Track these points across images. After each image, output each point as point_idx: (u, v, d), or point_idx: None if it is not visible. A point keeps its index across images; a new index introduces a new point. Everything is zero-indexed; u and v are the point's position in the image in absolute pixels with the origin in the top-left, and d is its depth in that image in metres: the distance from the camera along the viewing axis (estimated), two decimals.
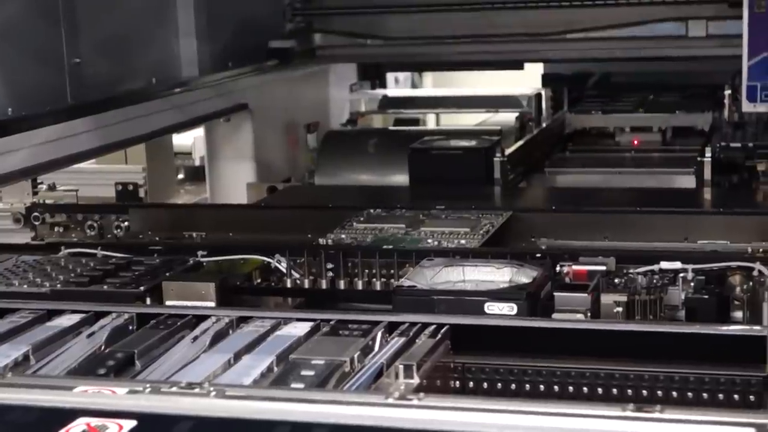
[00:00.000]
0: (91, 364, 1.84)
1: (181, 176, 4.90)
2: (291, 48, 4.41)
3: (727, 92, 4.23)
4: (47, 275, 2.42)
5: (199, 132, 4.44)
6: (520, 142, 3.99)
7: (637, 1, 4.26)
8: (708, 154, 3.40)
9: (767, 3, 3.53)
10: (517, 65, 5.08)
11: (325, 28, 4.63)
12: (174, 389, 1.59)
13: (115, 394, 1.58)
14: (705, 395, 1.84)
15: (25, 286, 2.36)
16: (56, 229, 3.14)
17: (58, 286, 2.35)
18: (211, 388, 1.58)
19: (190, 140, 4.88)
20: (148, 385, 1.60)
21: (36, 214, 3.16)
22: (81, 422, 1.49)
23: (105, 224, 3.10)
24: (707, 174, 3.37)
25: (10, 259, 2.58)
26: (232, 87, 3.98)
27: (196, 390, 1.58)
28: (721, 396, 1.83)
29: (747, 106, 3.59)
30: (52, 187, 3.40)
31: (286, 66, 4.35)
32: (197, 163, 4.79)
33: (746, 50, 3.57)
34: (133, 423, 1.49)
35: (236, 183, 3.97)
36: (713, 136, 3.84)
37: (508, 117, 4.52)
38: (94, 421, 1.49)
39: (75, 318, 2.06)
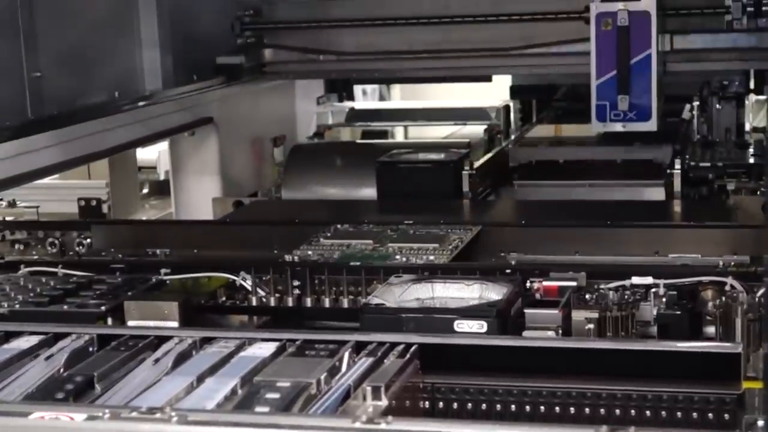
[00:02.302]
0: (48, 389, 1.78)
1: (145, 191, 4.85)
2: (239, 64, 4.23)
3: (695, 103, 4.22)
4: (5, 295, 2.36)
5: (163, 146, 4.39)
6: (489, 155, 3.96)
7: None
8: (678, 165, 3.38)
9: (614, 20, 3.55)
10: (484, 78, 5.03)
11: (276, 42, 4.40)
12: (134, 414, 1.54)
13: (72, 421, 1.53)
14: (679, 414, 1.80)
15: None
16: (16, 246, 3.08)
17: (17, 306, 2.29)
18: (173, 413, 1.53)
19: (154, 154, 4.83)
20: (107, 411, 1.55)
21: None
22: None
23: (67, 241, 3.04)
24: (677, 186, 3.35)
25: None
26: (197, 100, 3.93)
27: (157, 415, 1.53)
28: (695, 415, 1.80)
29: (597, 126, 3.65)
30: (12, 204, 3.34)
31: (238, 82, 4.21)
32: (162, 177, 4.74)
33: (594, 69, 3.61)
34: None
35: (202, 198, 3.93)
36: (683, 148, 3.82)
37: (476, 129, 4.49)
38: None
39: (33, 340, 2.00)
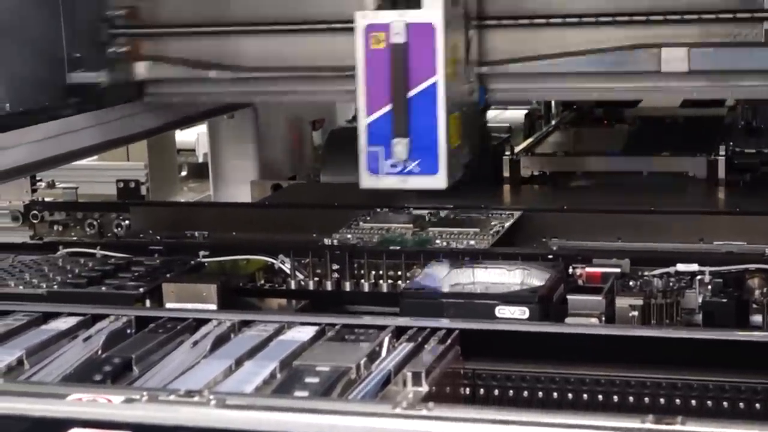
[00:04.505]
0: (86, 370, 1.77)
1: (184, 173, 4.85)
2: (97, 84, 3.04)
3: None
4: (44, 276, 2.36)
5: (202, 128, 4.38)
6: (530, 140, 3.92)
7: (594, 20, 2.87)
8: (722, 152, 3.33)
9: (387, 35, 2.54)
10: None
11: (156, 53, 3.17)
12: (172, 397, 1.53)
13: (110, 403, 1.51)
14: (725, 404, 1.77)
15: (21, 287, 2.30)
16: (55, 227, 3.09)
17: (55, 287, 2.29)
18: (211, 397, 1.51)
19: (193, 137, 4.83)
20: (145, 393, 1.53)
21: (35, 212, 3.10)
22: None
23: (105, 222, 3.04)
24: (721, 173, 3.30)
25: (7, 258, 2.53)
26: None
27: (196, 398, 1.52)
28: (741, 405, 1.76)
29: (367, 180, 2.68)
30: (51, 185, 3.34)
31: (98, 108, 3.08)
32: (200, 159, 4.75)
33: (363, 102, 2.60)
34: None
35: (240, 181, 3.91)
36: (728, 134, 3.76)
37: (516, 114, 4.45)
38: None
39: (71, 321, 1.99)
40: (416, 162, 2.57)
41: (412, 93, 2.54)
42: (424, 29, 2.50)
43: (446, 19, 2.50)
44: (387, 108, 2.56)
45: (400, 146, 2.55)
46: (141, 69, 3.18)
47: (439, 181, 2.59)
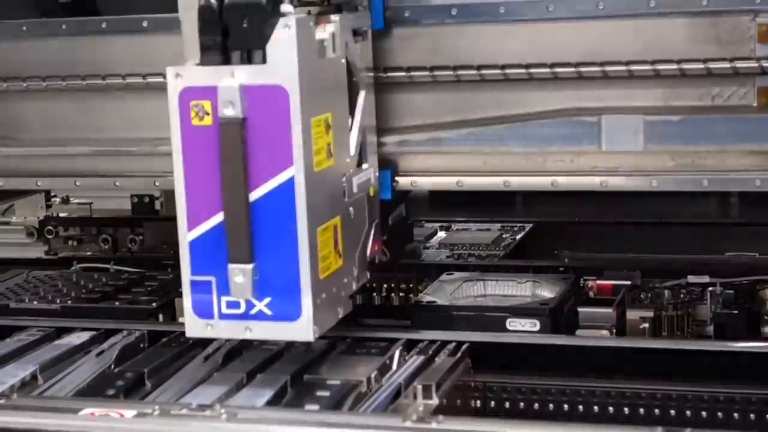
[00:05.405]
0: (100, 385, 1.78)
1: None
2: None
3: None
4: (58, 291, 2.38)
5: None
6: None
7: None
8: None
9: (214, 107, 1.62)
10: None
11: None
12: (184, 411, 1.55)
13: (122, 417, 1.53)
14: (736, 415, 1.77)
15: (36, 302, 2.31)
16: (69, 242, 3.10)
17: (69, 302, 2.30)
18: (223, 411, 1.53)
19: None
20: (157, 408, 1.55)
21: (49, 227, 3.12)
22: None
23: (119, 237, 3.05)
24: None
25: (22, 274, 2.55)
26: None
27: (207, 412, 1.54)
28: (752, 416, 1.76)
29: (195, 328, 1.72)
30: (65, 200, 3.35)
31: None
32: None
33: (184, 210, 1.68)
34: None
35: None
36: None
37: None
38: None
39: (85, 336, 2.02)
40: (266, 301, 1.66)
41: (255, 195, 1.64)
42: (272, 95, 1.61)
43: (309, 77, 1.63)
44: (218, 218, 1.66)
45: (241, 277, 1.64)
46: None
47: (301, 330, 1.67)
